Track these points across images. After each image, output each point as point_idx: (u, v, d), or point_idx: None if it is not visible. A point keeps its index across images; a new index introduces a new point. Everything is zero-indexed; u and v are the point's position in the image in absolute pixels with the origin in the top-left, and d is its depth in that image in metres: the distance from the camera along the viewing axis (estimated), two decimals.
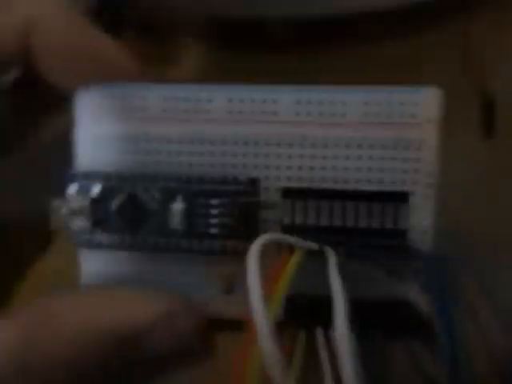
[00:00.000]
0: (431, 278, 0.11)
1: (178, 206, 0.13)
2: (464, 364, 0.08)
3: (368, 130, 0.13)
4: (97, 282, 0.13)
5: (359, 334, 0.12)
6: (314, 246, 0.12)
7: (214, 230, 0.13)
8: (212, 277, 0.13)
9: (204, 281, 0.13)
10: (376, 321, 0.12)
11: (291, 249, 0.11)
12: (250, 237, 0.13)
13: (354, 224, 0.12)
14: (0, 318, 0.11)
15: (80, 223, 0.13)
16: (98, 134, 0.14)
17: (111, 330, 0.11)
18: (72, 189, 0.13)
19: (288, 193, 0.12)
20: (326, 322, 0.11)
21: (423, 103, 0.13)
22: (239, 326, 0.12)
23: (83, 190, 0.13)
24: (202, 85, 0.13)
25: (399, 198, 0.12)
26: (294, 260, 0.10)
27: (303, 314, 0.12)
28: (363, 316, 0.12)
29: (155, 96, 0.14)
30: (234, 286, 0.14)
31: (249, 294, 0.08)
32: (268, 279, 0.10)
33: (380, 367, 0.11)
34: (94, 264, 0.14)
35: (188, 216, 0.13)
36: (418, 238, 0.13)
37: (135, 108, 0.14)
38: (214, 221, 0.13)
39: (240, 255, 0.13)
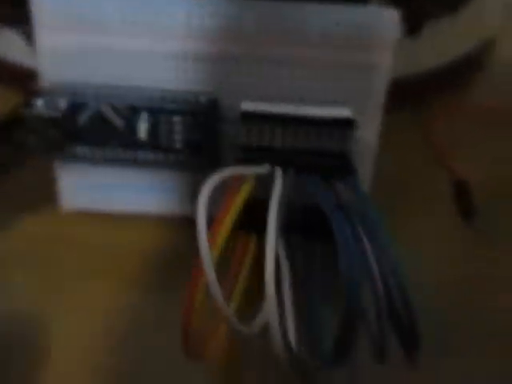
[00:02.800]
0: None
1: (143, 122, 0.14)
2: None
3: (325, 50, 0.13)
4: (73, 191, 0.15)
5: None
6: (264, 169, 0.13)
7: (178, 145, 0.14)
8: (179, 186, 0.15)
9: (171, 188, 0.15)
10: None
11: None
12: (211, 153, 0.14)
13: (305, 145, 0.13)
14: None
15: (53, 136, 0.14)
16: (59, 45, 0.14)
17: None
18: (39, 103, 0.14)
19: (246, 117, 0.13)
20: None
21: (380, 24, 0.13)
22: None
23: (49, 105, 0.14)
24: None
25: (346, 124, 0.13)
26: (242, 196, 0.11)
27: (255, 217, 0.14)
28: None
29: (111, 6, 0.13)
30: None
31: (197, 236, 0.10)
32: (219, 211, 0.11)
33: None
34: (69, 176, 0.15)
35: (153, 132, 0.14)
36: (361, 156, 0.14)
37: (92, 19, 0.13)
38: (177, 137, 0.14)
39: (203, 169, 0.14)
